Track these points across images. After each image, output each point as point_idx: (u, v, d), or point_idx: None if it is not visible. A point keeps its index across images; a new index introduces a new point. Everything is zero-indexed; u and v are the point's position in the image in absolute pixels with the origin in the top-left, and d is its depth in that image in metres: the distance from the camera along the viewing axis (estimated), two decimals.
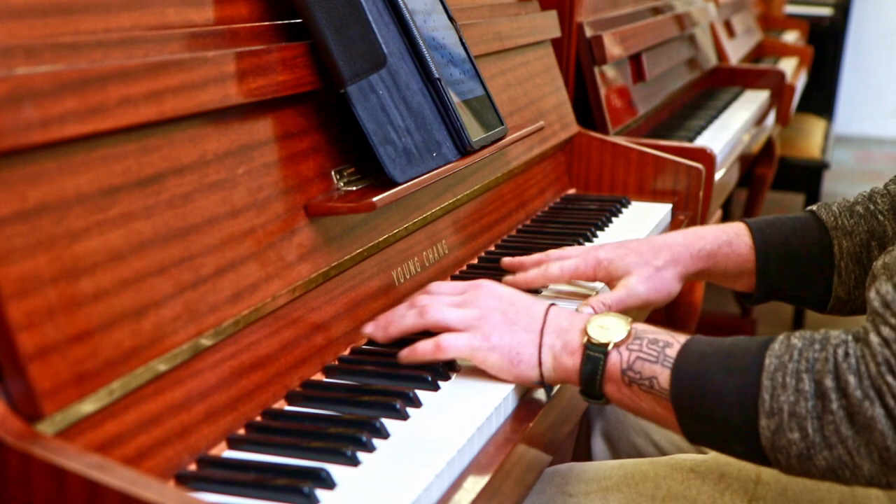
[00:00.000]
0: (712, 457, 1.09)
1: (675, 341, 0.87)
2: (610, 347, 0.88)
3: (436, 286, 1.02)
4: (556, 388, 0.97)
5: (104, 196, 0.75)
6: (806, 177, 3.49)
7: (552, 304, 0.97)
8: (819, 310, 1.18)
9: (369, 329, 1.00)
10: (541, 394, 0.96)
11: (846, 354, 0.78)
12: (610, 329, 0.90)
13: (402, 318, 0.97)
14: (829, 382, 0.77)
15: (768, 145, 3.01)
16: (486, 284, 0.99)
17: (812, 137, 3.81)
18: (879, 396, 0.75)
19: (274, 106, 0.98)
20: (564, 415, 1.04)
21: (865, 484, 0.79)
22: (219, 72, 0.87)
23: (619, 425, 1.28)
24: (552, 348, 0.92)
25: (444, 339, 0.93)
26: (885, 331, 0.76)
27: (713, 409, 0.83)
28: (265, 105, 0.96)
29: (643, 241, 1.17)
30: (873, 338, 0.77)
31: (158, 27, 0.86)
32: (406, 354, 0.94)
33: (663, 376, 0.86)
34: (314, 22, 1.00)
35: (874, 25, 6.53)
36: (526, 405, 0.95)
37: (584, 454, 1.32)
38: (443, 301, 0.97)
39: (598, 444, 1.30)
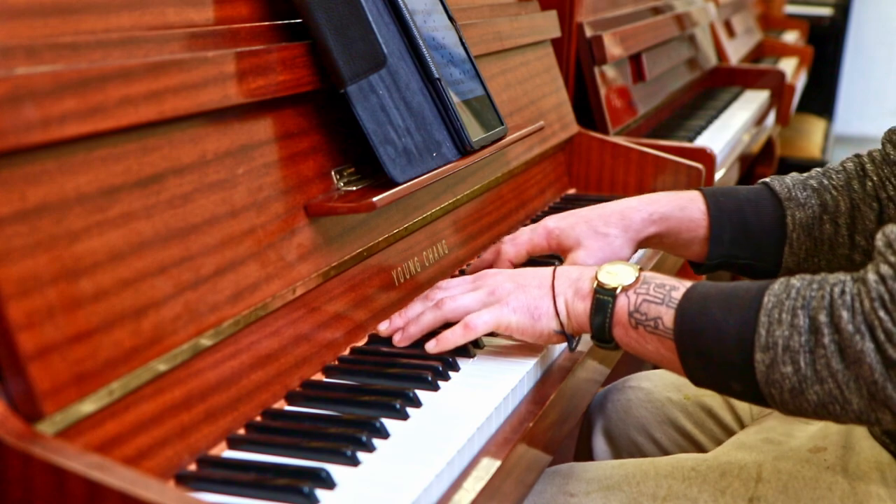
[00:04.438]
0: (713, 455, 1.09)
1: (681, 285, 0.90)
2: (618, 291, 0.91)
3: (444, 282, 1.04)
4: (579, 338, 1.00)
5: (104, 196, 0.75)
6: None
7: (559, 265, 1.00)
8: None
9: (385, 330, 1.02)
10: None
11: (842, 292, 0.80)
12: (619, 274, 0.92)
13: (420, 318, 0.99)
14: (822, 318, 0.79)
15: (768, 145, 3.01)
16: (490, 270, 1.03)
17: (812, 137, 3.81)
18: (870, 330, 0.77)
19: (274, 106, 0.97)
20: (565, 414, 1.04)
21: (855, 420, 0.81)
22: (219, 72, 0.87)
23: (619, 423, 1.28)
24: (564, 295, 0.95)
25: (470, 318, 0.96)
26: (884, 268, 0.78)
27: (713, 346, 0.85)
28: (265, 105, 0.96)
29: (594, 209, 1.17)
30: (871, 276, 0.79)
31: (158, 27, 0.86)
32: (434, 346, 0.97)
33: (668, 316, 0.88)
34: (314, 22, 1.00)
35: (874, 25, 6.52)
36: (526, 405, 0.95)
37: (585, 452, 1.32)
38: (455, 291, 1.00)
39: (599, 442, 1.30)
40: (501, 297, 0.97)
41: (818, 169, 1.19)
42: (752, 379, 0.83)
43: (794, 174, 1.19)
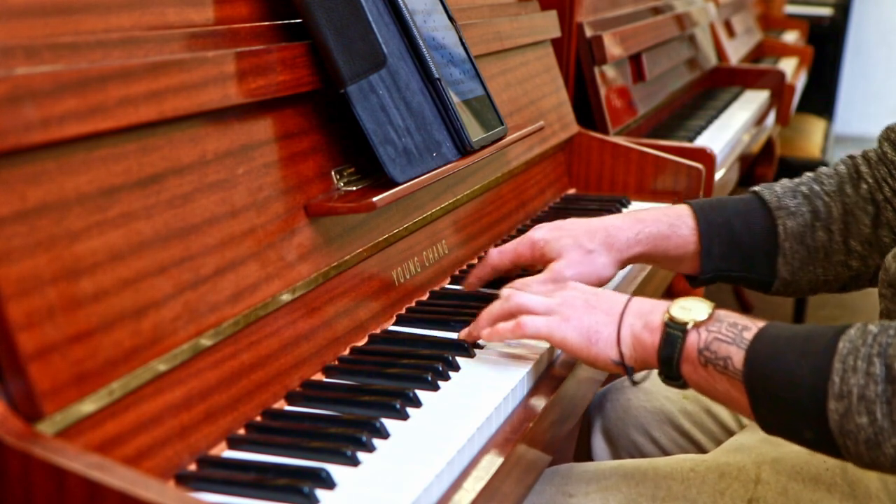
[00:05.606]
0: (712, 457, 1.09)
1: (754, 325, 0.87)
2: (689, 327, 0.88)
3: (527, 279, 1.05)
4: (642, 374, 0.97)
5: (104, 196, 0.75)
6: None
7: (635, 295, 0.98)
8: (764, 291, 1.17)
9: (465, 331, 1.03)
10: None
11: None
12: (692, 310, 0.90)
13: (491, 307, 1.01)
14: None
15: (768, 145, 3.01)
16: (572, 282, 1.02)
17: (812, 137, 3.80)
18: None
19: (274, 106, 0.97)
20: (565, 414, 1.04)
21: None
22: (219, 72, 0.87)
23: (619, 423, 1.28)
24: (632, 327, 0.92)
25: (524, 318, 0.96)
26: None
27: (784, 391, 0.82)
28: (265, 105, 0.96)
29: (581, 223, 1.16)
30: None
31: (158, 27, 0.86)
32: (489, 334, 0.98)
33: (738, 357, 0.85)
34: (314, 22, 1.01)
35: (874, 25, 6.52)
36: (526, 405, 0.95)
37: (584, 452, 1.32)
38: (529, 289, 1.00)
39: (598, 442, 1.30)
40: (565, 311, 0.95)
41: (809, 174, 1.18)
42: (825, 428, 0.79)
43: (785, 181, 1.18)
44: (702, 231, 1.14)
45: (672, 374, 0.90)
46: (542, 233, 1.15)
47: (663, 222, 1.15)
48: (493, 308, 1.00)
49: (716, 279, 1.17)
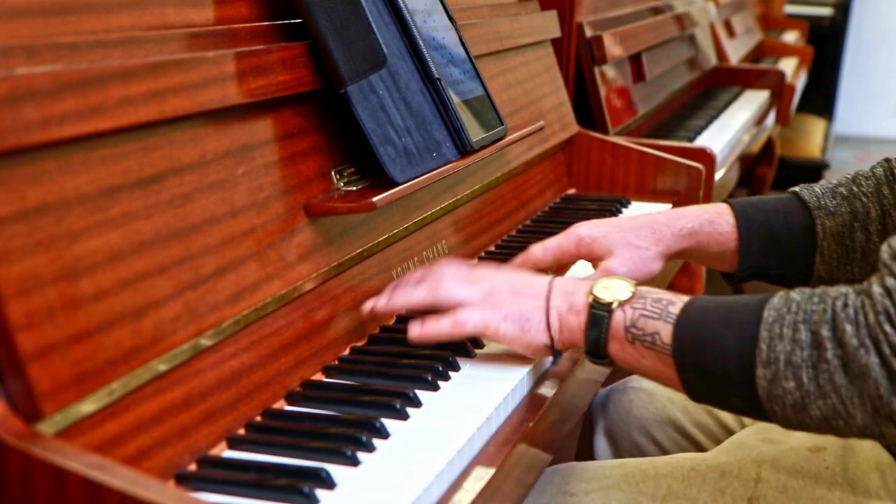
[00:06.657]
0: (713, 455, 1.09)
1: (678, 300, 0.89)
2: (614, 306, 0.90)
3: (440, 264, 1.01)
4: (563, 355, 0.98)
5: (104, 196, 0.75)
6: (806, 177, 3.49)
7: (556, 276, 0.98)
8: None
9: (370, 303, 1.00)
10: (547, 387, 0.96)
11: (845, 305, 0.79)
12: (615, 289, 0.91)
13: (411, 292, 0.97)
14: (825, 332, 0.78)
15: (768, 145, 3.01)
16: (489, 270, 1.00)
17: (812, 137, 3.81)
18: (875, 345, 0.76)
19: (274, 106, 0.98)
20: (565, 414, 1.04)
21: (859, 435, 0.80)
22: (219, 72, 0.87)
23: (621, 424, 1.28)
24: (558, 310, 0.94)
25: (461, 314, 0.94)
26: (890, 281, 0.77)
27: (712, 362, 0.84)
28: (265, 105, 0.96)
29: (624, 220, 1.17)
30: (875, 288, 0.78)
31: (158, 27, 0.86)
32: (418, 335, 0.95)
33: (665, 332, 0.87)
34: (314, 22, 1.01)
35: (874, 25, 6.52)
36: (526, 405, 0.95)
37: (587, 453, 1.33)
38: (451, 277, 0.97)
39: (600, 442, 1.30)
40: (495, 301, 0.95)
41: (847, 175, 1.19)
42: (753, 394, 0.82)
43: (824, 182, 1.18)
44: (741, 228, 1.15)
45: (599, 354, 0.92)
46: (588, 229, 1.15)
47: (704, 218, 1.16)
48: (415, 295, 0.97)
49: (752, 277, 1.18)
